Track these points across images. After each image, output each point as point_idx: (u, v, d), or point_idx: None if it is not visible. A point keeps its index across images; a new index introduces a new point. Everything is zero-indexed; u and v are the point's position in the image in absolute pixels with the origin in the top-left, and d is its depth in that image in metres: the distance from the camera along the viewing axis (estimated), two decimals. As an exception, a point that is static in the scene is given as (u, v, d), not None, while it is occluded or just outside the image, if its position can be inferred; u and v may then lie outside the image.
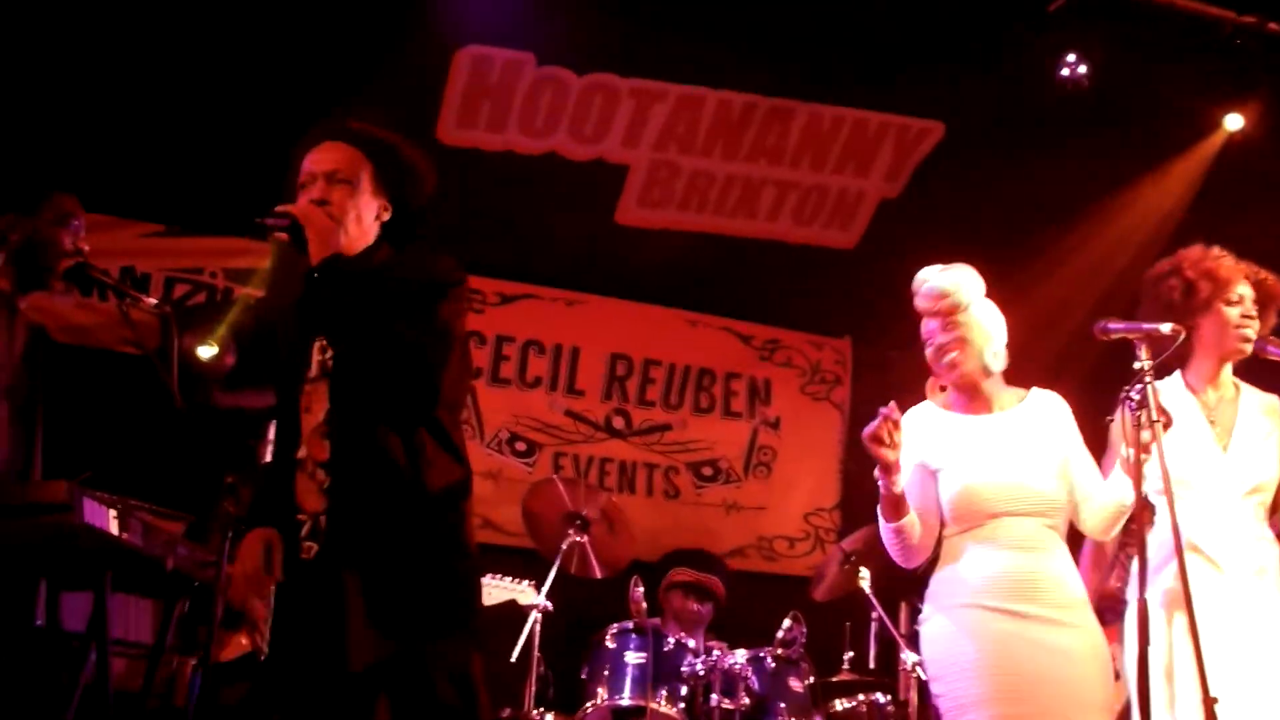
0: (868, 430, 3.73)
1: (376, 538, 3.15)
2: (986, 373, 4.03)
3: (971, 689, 3.74)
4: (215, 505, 4.62)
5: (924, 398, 4.15)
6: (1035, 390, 4.13)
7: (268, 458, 7.10)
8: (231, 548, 3.92)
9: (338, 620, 3.08)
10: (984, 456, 3.93)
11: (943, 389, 4.11)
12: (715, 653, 5.83)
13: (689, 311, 8.37)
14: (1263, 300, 4.22)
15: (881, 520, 3.88)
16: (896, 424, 3.72)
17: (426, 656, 3.14)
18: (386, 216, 3.44)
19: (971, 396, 4.06)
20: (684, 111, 7.40)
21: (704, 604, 6.71)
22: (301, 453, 3.24)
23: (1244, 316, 4.15)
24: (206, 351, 7.14)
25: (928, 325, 4.08)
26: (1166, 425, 3.65)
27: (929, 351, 4.06)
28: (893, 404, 3.75)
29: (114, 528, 4.01)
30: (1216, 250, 4.25)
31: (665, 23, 6.65)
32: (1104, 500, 3.89)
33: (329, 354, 3.27)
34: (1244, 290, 4.18)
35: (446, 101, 7.11)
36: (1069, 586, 3.87)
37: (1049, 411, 4.06)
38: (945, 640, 3.85)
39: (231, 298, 7.31)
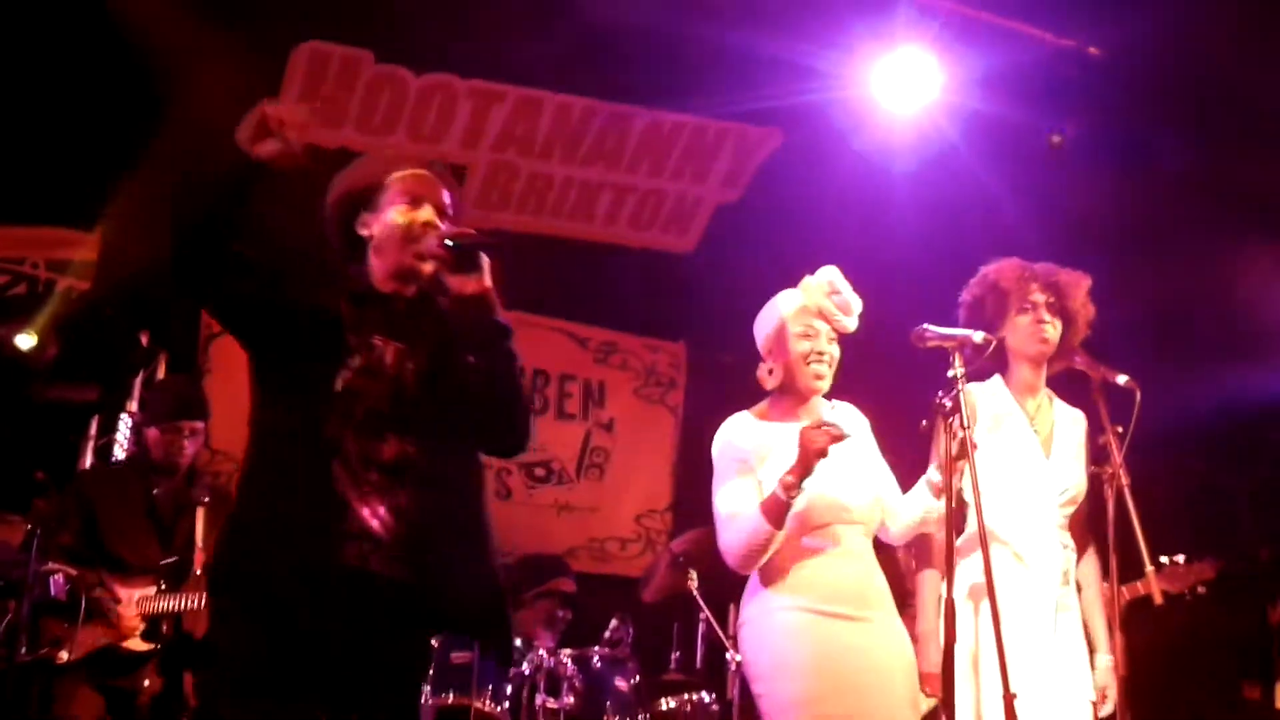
0: (819, 444, 3.74)
1: (464, 550, 3.22)
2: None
3: (796, 689, 3.81)
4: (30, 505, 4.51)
5: (755, 403, 4.21)
6: (838, 402, 4.21)
7: (89, 455, 6.91)
8: (40, 546, 3.83)
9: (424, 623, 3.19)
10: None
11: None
12: (542, 651, 5.84)
13: (525, 313, 8.33)
14: (1062, 299, 4.36)
15: (764, 526, 3.83)
16: (840, 438, 3.76)
17: None
18: None
19: (795, 405, 4.13)
20: (523, 114, 7.41)
21: (568, 610, 6.74)
22: (348, 444, 3.14)
23: (1037, 322, 4.30)
24: (25, 341, 6.96)
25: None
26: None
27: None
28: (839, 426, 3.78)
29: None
30: (1008, 262, 4.40)
31: (505, 23, 6.64)
32: (907, 514, 4.05)
33: (387, 357, 3.26)
34: (1036, 297, 4.32)
35: (284, 95, 7.00)
36: (882, 590, 3.99)
37: (856, 423, 4.17)
38: (770, 640, 3.91)
39: (53, 288, 7.11)
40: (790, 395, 4.13)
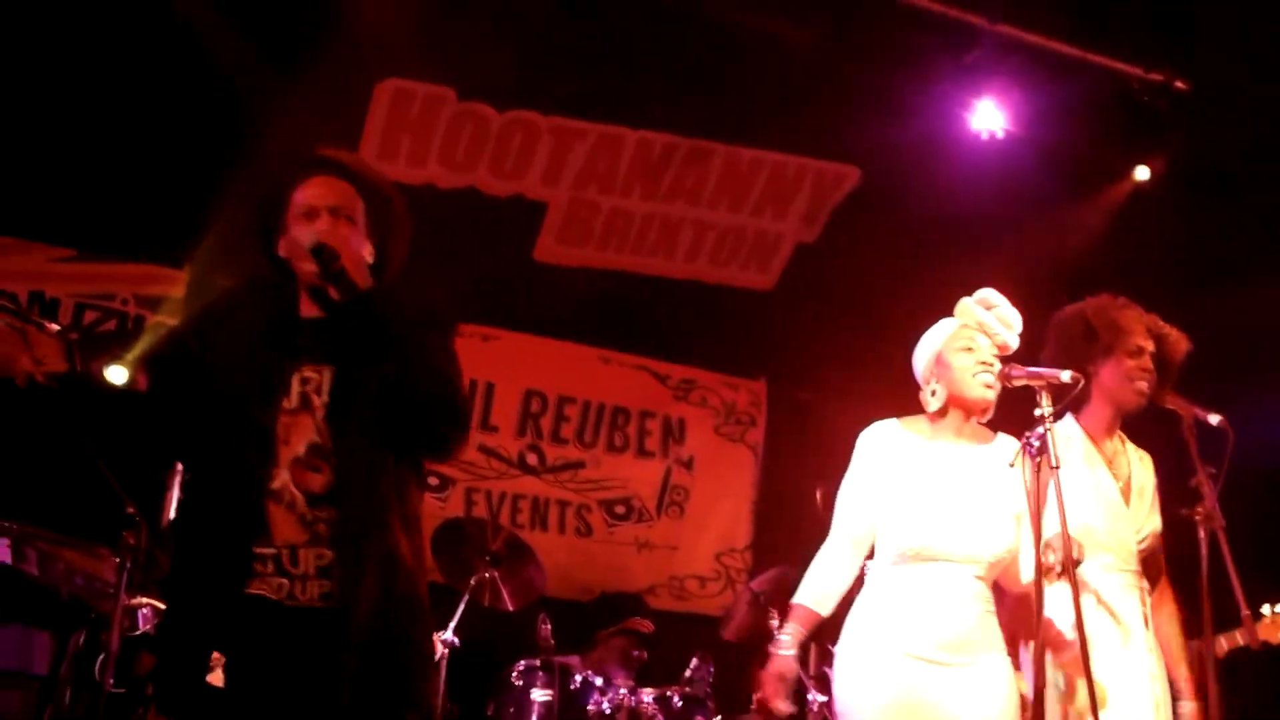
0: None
1: (386, 577, 3.11)
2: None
3: None
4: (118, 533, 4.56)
5: (838, 441, 4.18)
6: (1002, 434, 4.08)
7: (176, 490, 7.01)
8: (129, 577, 3.88)
9: (349, 659, 3.04)
10: (946, 493, 3.91)
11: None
12: (623, 690, 5.82)
13: (604, 349, 8.37)
14: (1163, 355, 4.28)
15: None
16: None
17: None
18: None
19: (958, 422, 4.02)
20: (604, 150, 7.44)
21: (644, 650, 6.72)
22: (277, 483, 3.14)
23: (1141, 369, 4.21)
24: (118, 375, 7.05)
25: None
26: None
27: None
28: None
29: (7, 555, 3.93)
30: (1122, 300, 4.32)
31: (586, 61, 6.69)
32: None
33: (315, 385, 3.19)
34: (1145, 343, 4.24)
35: (367, 133, 7.10)
36: (989, 636, 3.87)
37: (1010, 459, 3.95)
38: (849, 679, 3.85)
39: (143, 324, 7.21)
40: (955, 412, 4.00)
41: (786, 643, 3.91)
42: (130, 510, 3.83)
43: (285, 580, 3.12)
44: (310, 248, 3.12)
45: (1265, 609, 4.52)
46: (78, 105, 6.47)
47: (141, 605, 4.89)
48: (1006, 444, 4.03)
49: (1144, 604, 4.13)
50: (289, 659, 3.09)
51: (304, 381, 3.20)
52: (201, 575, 3.12)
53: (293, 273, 3.27)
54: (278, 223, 3.30)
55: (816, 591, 3.95)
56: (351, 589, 3.07)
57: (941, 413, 4.00)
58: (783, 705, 3.89)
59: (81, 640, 4.69)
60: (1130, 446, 4.34)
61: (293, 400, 3.18)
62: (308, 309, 3.28)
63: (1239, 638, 4.41)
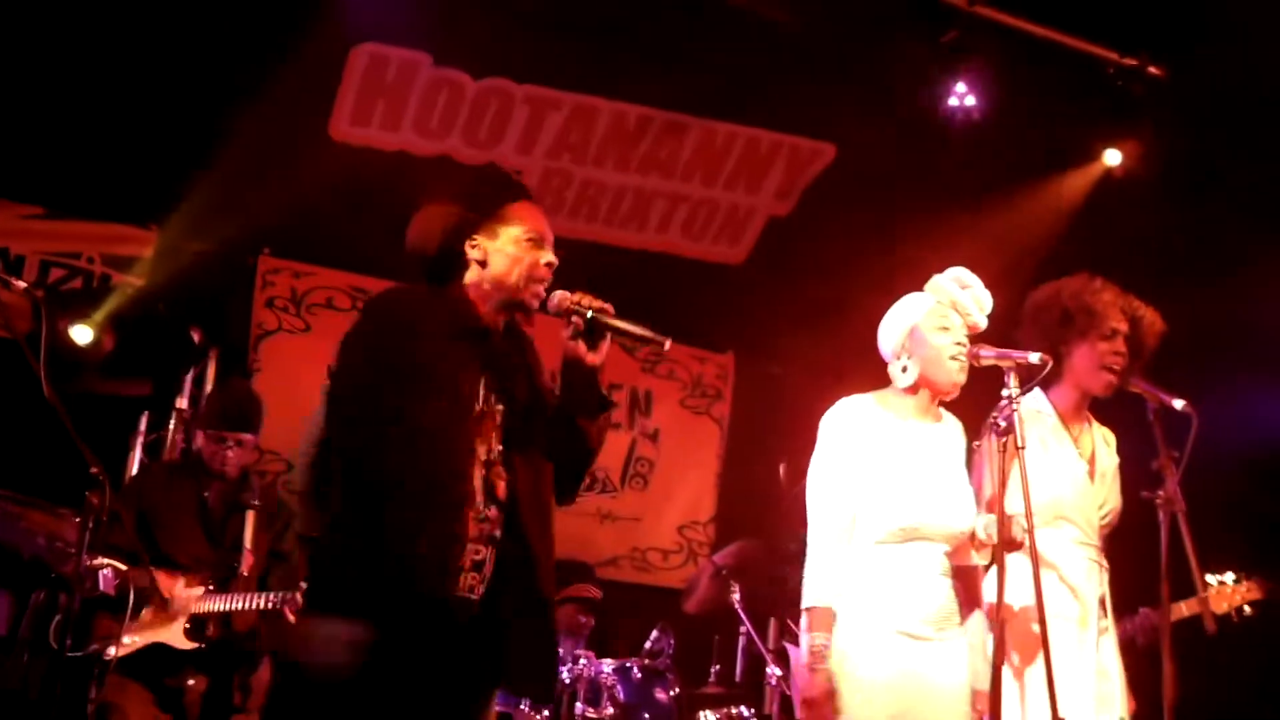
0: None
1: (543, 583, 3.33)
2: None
3: (876, 709, 3.74)
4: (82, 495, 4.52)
5: (804, 416, 4.17)
6: (946, 413, 4.09)
7: (139, 451, 6.95)
8: (93, 539, 3.85)
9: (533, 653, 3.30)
10: (924, 472, 3.92)
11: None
12: (582, 661, 5.84)
13: (574, 320, 8.34)
14: (1138, 337, 4.31)
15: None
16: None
17: None
18: None
19: (925, 402, 4.01)
20: (578, 121, 7.41)
21: (592, 617, 6.75)
22: (469, 487, 3.20)
23: (1113, 353, 4.23)
24: (82, 335, 7.01)
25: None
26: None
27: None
28: None
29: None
30: (1099, 282, 4.33)
31: (563, 31, 6.65)
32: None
33: (497, 401, 3.32)
34: (1119, 325, 4.26)
35: (340, 98, 7.04)
36: (956, 610, 3.91)
37: (958, 442, 4.06)
38: (842, 656, 3.82)
39: (109, 284, 7.17)
40: (923, 391, 3.99)
41: (827, 654, 3.77)
42: (94, 470, 3.80)
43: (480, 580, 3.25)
44: (594, 309, 3.32)
45: (1211, 579, 4.53)
46: (49, 65, 6.41)
47: (103, 566, 4.88)
48: (954, 422, 4.07)
49: (1103, 585, 4.18)
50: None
51: (488, 391, 3.31)
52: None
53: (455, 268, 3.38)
54: (480, 225, 3.39)
55: (832, 590, 3.83)
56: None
57: (912, 389, 4.00)
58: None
59: (42, 599, 4.67)
60: (1096, 426, 4.38)
61: (480, 406, 3.28)
62: (489, 317, 3.40)
63: (1184, 609, 4.40)
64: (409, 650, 3.08)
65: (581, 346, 3.31)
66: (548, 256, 3.38)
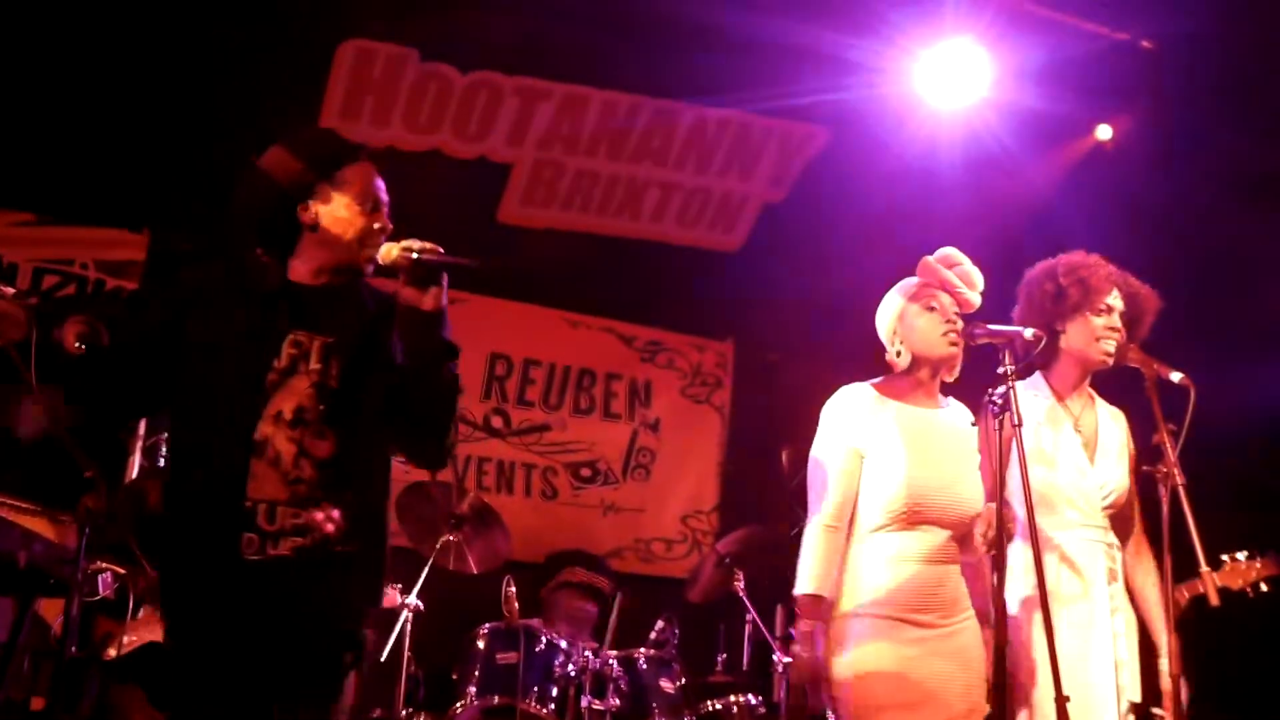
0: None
1: (370, 537, 3.31)
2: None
3: (878, 696, 3.75)
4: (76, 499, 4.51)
5: (803, 403, 4.16)
6: (951, 399, 4.12)
7: (137, 454, 6.92)
8: (89, 542, 3.83)
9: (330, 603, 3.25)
10: (929, 455, 3.92)
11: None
12: (587, 653, 5.81)
13: (570, 312, 8.34)
14: (1133, 313, 4.29)
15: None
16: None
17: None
18: None
19: (923, 384, 4.05)
20: (569, 111, 7.39)
21: (593, 604, 6.73)
22: (259, 435, 3.22)
23: (1108, 329, 4.21)
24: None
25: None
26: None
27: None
28: None
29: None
30: (1094, 258, 4.31)
31: (550, 21, 6.63)
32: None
33: (313, 352, 3.31)
34: (1114, 301, 4.24)
35: (329, 95, 7.02)
36: (965, 595, 3.93)
37: (964, 425, 4.08)
38: (844, 644, 3.84)
39: (103, 289, 7.14)
40: (919, 372, 4.03)
41: (815, 640, 3.81)
42: (89, 474, 3.78)
43: (256, 535, 3.21)
44: (418, 251, 3.24)
45: (1225, 557, 4.55)
46: (37, 71, 6.39)
47: (101, 570, 4.86)
48: (958, 406, 4.10)
49: (1112, 560, 4.15)
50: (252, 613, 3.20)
51: (296, 345, 3.30)
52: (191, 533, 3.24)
53: (291, 236, 3.39)
54: (312, 190, 3.37)
55: (828, 578, 3.86)
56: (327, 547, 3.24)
57: (909, 372, 4.00)
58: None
59: (41, 607, 4.66)
60: (1100, 403, 4.35)
61: (283, 361, 3.29)
62: (318, 277, 3.41)
63: (1196, 587, 4.38)
64: (198, 613, 3.24)
65: (414, 292, 3.24)
66: (379, 217, 3.39)
